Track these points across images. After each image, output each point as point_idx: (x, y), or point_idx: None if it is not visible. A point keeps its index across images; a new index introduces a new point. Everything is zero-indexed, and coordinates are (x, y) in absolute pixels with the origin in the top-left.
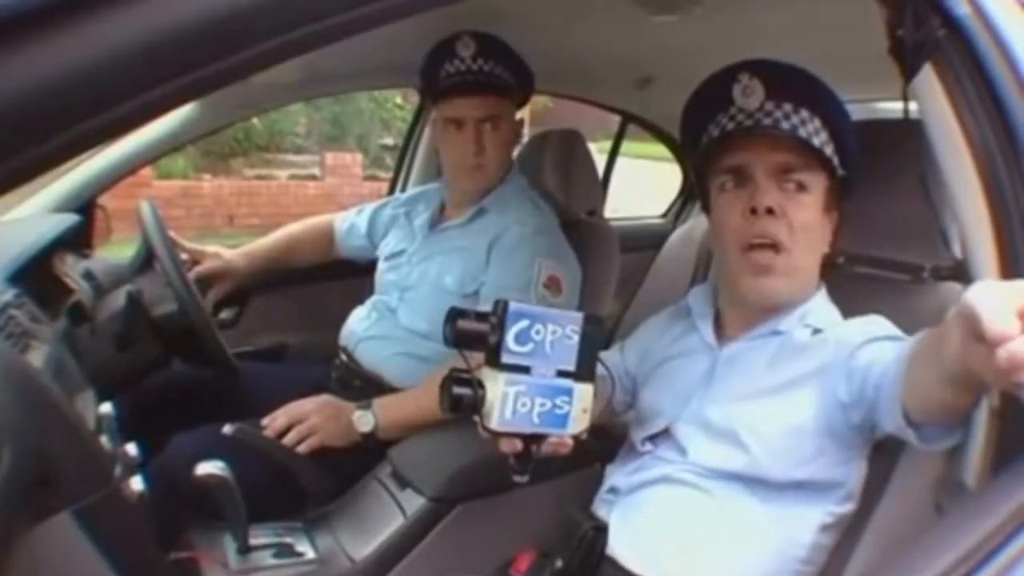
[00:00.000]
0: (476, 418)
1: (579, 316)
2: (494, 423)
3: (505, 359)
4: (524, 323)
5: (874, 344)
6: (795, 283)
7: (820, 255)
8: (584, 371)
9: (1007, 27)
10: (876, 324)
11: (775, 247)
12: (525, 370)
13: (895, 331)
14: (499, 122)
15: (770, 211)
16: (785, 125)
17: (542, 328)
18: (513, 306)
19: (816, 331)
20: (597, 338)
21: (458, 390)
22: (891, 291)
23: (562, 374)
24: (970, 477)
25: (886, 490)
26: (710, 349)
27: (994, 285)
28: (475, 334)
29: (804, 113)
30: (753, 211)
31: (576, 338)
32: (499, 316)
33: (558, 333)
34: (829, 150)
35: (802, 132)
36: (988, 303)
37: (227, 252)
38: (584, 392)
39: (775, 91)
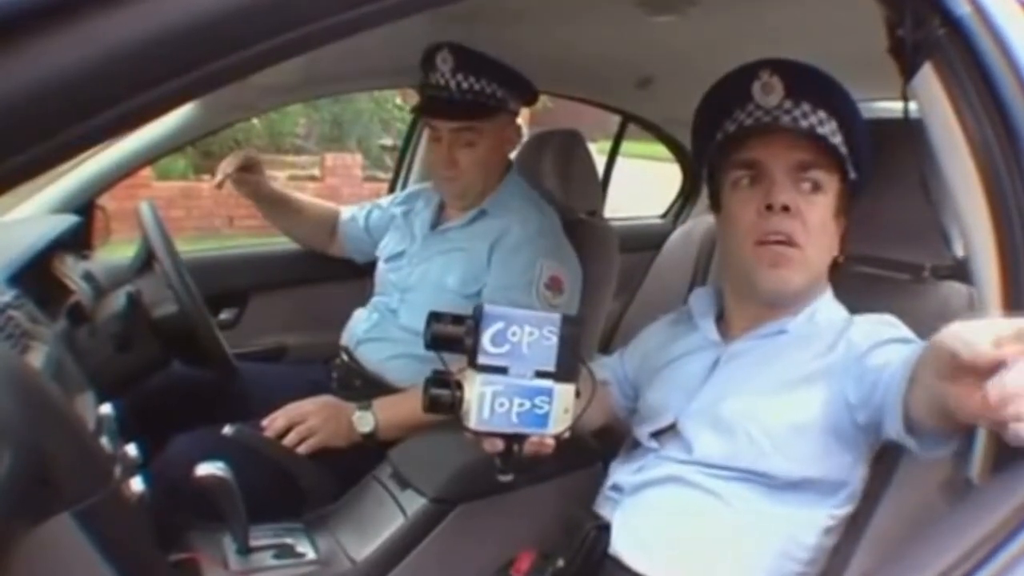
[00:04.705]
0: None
1: (557, 317)
2: (472, 423)
3: (481, 360)
4: (500, 325)
5: (886, 347)
6: (808, 278)
7: (830, 258)
8: (564, 372)
9: (1007, 26)
10: (888, 325)
11: (790, 243)
12: (503, 371)
13: (906, 332)
14: (475, 139)
15: (785, 208)
16: (804, 124)
17: (518, 330)
18: (488, 308)
19: (819, 321)
20: (576, 339)
21: (435, 391)
22: (892, 290)
23: (542, 375)
24: (973, 473)
25: (887, 491)
26: (714, 346)
27: (965, 323)
28: (451, 337)
29: (822, 114)
30: (769, 207)
31: (554, 339)
32: (475, 319)
33: (535, 335)
34: (844, 152)
35: (820, 131)
36: (959, 336)
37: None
38: (564, 392)
39: (795, 90)
